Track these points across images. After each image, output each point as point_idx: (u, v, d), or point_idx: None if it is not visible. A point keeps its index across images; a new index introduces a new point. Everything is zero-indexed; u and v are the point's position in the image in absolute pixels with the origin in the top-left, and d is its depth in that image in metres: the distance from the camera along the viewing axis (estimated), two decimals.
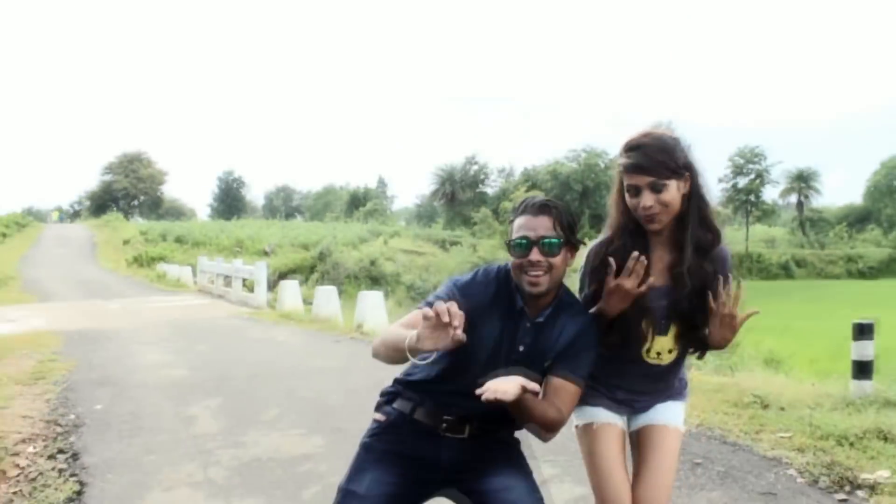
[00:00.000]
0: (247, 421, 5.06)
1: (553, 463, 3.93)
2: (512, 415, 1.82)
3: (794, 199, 63.21)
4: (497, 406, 1.63)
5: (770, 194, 60.25)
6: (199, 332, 9.91)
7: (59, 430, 4.93)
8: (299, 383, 6.33)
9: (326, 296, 11.74)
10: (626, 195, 1.90)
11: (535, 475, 2.03)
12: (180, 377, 6.65)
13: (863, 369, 5.00)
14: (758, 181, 57.70)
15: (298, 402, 5.61)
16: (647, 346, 1.96)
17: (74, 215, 69.67)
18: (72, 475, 4.04)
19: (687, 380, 2.17)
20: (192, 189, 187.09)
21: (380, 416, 2.05)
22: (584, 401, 1.97)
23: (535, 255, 1.83)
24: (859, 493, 3.44)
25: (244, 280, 15.26)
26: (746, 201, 57.95)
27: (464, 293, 1.89)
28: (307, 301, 13.35)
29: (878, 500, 3.34)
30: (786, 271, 52.59)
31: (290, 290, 13.13)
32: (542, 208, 1.87)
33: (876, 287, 41.52)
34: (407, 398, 1.98)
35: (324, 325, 10.62)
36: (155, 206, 72.30)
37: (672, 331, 1.96)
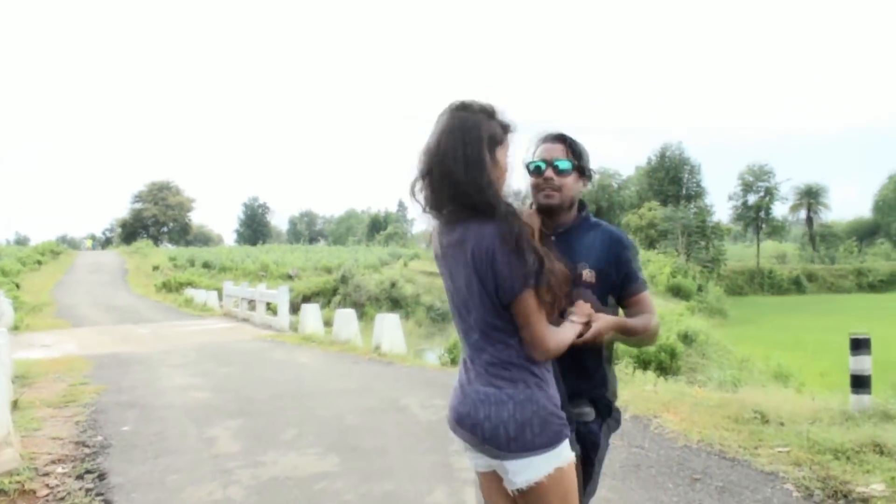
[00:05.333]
0: (266, 441, 5.24)
1: None
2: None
3: (803, 214, 63.38)
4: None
5: (780, 210, 60.66)
6: (225, 355, 10.12)
7: (87, 451, 5.11)
8: (318, 404, 6.51)
9: (345, 319, 11.96)
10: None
11: None
12: (205, 399, 6.86)
13: (861, 383, 5.05)
14: (767, 198, 57.82)
15: (317, 422, 5.79)
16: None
17: (106, 242, 71.38)
18: (98, 494, 4.20)
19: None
20: (218, 215, 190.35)
21: None
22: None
23: (548, 173, 2.08)
24: None
25: (268, 304, 15.57)
26: (756, 218, 58.21)
27: None
28: (329, 323, 13.62)
29: None
30: (797, 286, 52.74)
31: (312, 313, 13.38)
32: (557, 138, 2.14)
33: (886, 300, 41.24)
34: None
35: (344, 346, 10.83)
36: (183, 233, 73.67)
37: None
